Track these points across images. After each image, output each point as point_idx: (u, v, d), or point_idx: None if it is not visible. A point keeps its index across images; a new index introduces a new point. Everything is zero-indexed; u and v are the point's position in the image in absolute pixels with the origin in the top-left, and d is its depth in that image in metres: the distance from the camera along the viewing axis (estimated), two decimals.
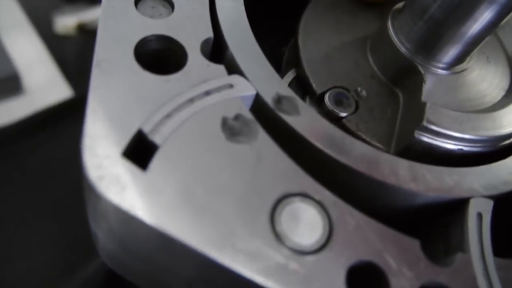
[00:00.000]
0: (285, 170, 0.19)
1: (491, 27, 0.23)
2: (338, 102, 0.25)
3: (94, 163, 0.17)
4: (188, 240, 0.16)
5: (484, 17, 0.23)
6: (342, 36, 0.28)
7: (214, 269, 0.17)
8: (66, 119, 0.51)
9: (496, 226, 0.21)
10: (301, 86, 0.27)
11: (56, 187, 0.45)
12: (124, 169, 0.17)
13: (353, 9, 0.30)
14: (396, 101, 0.26)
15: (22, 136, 0.48)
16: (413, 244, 0.19)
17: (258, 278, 0.16)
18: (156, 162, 0.17)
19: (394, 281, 0.18)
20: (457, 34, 0.24)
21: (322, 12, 0.29)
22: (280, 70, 0.30)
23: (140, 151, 0.18)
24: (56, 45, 0.65)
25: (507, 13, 0.23)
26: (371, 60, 0.28)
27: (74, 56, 0.64)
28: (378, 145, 0.25)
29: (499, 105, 0.25)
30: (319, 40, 0.28)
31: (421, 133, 0.23)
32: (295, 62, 0.27)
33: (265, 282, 0.16)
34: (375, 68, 0.27)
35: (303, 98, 0.26)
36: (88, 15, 0.68)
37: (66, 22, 0.67)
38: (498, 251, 0.20)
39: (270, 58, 0.31)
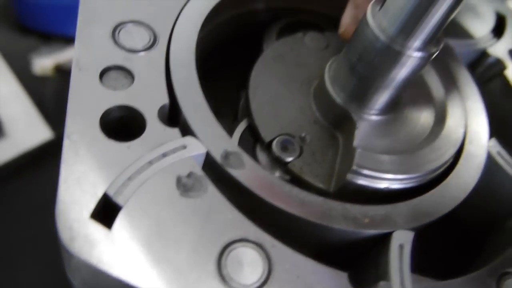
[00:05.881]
0: (230, 219, 0.22)
1: (407, 80, 0.27)
2: (284, 148, 0.29)
3: (66, 226, 0.20)
4: (146, 286, 0.20)
5: (400, 74, 0.27)
6: (288, 85, 0.32)
7: None
8: (48, 159, 0.54)
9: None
10: (252, 134, 0.30)
11: (40, 224, 0.48)
12: (91, 230, 0.20)
13: (298, 60, 0.33)
14: (336, 144, 0.30)
15: (6, 178, 0.50)
16: (341, 276, 0.22)
17: None
18: (119, 221, 0.21)
19: None
20: (381, 86, 0.28)
21: (270, 65, 0.33)
22: (237, 117, 0.33)
23: (107, 211, 0.21)
24: (35, 86, 0.68)
25: (422, 67, 0.27)
26: (314, 107, 0.31)
27: (53, 96, 0.67)
28: (320, 185, 0.28)
29: (422, 145, 0.29)
30: (267, 91, 0.31)
31: (352, 175, 0.27)
32: (247, 112, 0.31)
33: None
34: (317, 114, 0.31)
35: (254, 145, 0.30)
36: (64, 55, 0.72)
37: (43, 64, 0.70)
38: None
39: (229, 100, 0.34)
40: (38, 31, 0.79)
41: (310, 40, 0.35)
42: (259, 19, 0.37)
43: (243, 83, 0.33)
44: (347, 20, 0.33)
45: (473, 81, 0.34)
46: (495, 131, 0.36)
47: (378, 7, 0.26)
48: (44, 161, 0.54)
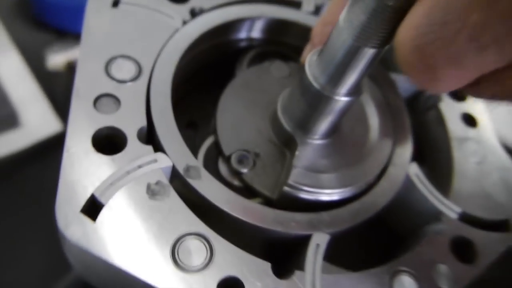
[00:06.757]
0: (185, 217, 0.30)
1: (339, 115, 0.34)
2: (240, 161, 0.36)
3: (62, 217, 0.28)
4: (118, 263, 0.27)
5: (332, 111, 0.33)
6: (251, 109, 0.39)
7: (142, 284, 0.28)
8: (57, 150, 0.62)
9: None
10: (216, 148, 0.37)
11: (48, 207, 0.55)
12: (81, 221, 0.28)
13: (262, 87, 0.40)
14: (284, 160, 0.37)
15: (20, 165, 0.58)
16: (265, 265, 0.30)
17: None
18: (101, 216, 0.28)
19: (248, 287, 0.29)
20: (318, 119, 0.35)
21: (237, 91, 0.40)
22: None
23: (93, 207, 0.29)
24: (48, 80, 0.75)
25: (350, 106, 0.34)
26: (269, 128, 0.38)
27: (64, 91, 0.74)
28: (266, 193, 0.35)
29: (352, 165, 0.36)
30: (232, 114, 0.38)
31: (289, 188, 0.34)
32: (214, 129, 0.38)
33: None
34: (272, 135, 0.38)
35: (217, 157, 0.37)
36: (75, 53, 0.79)
37: (56, 60, 0.78)
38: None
39: (208, 115, 0.41)
40: (52, 27, 0.85)
41: (275, 69, 0.42)
42: (235, 48, 0.44)
43: (217, 102, 0.40)
44: (305, 53, 0.40)
45: (406, 112, 0.41)
46: (427, 155, 0.43)
47: (315, 57, 0.33)
48: (54, 151, 0.61)
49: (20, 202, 0.56)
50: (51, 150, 0.61)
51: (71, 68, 0.78)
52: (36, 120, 0.64)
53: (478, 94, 0.25)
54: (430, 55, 0.22)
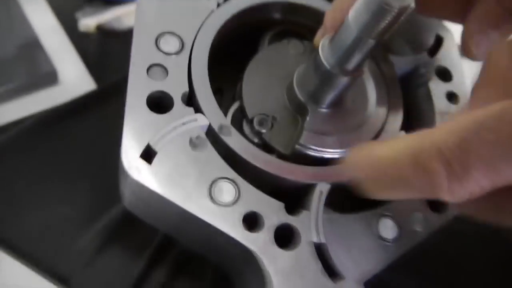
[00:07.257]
0: (218, 166, 0.38)
1: (342, 90, 0.42)
2: (261, 123, 0.44)
3: (126, 160, 0.36)
4: (168, 196, 0.36)
5: (337, 87, 0.41)
6: (271, 80, 0.47)
7: (182, 213, 0.37)
8: (91, 107, 0.69)
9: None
10: (241, 112, 0.45)
11: (84, 157, 0.62)
12: (140, 163, 0.36)
13: (281, 62, 0.48)
14: (297, 124, 0.45)
15: (60, 118, 0.65)
16: (280, 204, 0.38)
17: (203, 216, 0.36)
18: (155, 160, 0.37)
19: (266, 220, 0.37)
20: (325, 92, 0.43)
21: (260, 64, 0.47)
22: (234, 98, 0.48)
23: (149, 154, 0.37)
24: (80, 42, 0.81)
25: (352, 84, 0.41)
26: (286, 97, 0.46)
27: (95, 52, 0.81)
28: (281, 149, 0.44)
29: (352, 131, 0.45)
30: (256, 83, 0.46)
31: (300, 147, 0.42)
32: (240, 96, 0.46)
33: (204, 217, 0.36)
34: (287, 102, 0.46)
35: (242, 119, 0.46)
36: (104, 16, 0.86)
37: (87, 22, 0.84)
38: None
39: (235, 83, 0.49)
40: None
41: (292, 47, 0.49)
42: (258, 26, 0.52)
43: (242, 72, 0.48)
44: (318, 35, 0.47)
45: (399, 89, 0.49)
46: (415, 126, 0.51)
47: (327, 42, 0.40)
48: (88, 107, 0.69)
49: (61, 147, 0.62)
50: (85, 106, 0.68)
51: (100, 31, 0.85)
52: (72, 78, 0.72)
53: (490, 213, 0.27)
54: (472, 153, 0.23)
